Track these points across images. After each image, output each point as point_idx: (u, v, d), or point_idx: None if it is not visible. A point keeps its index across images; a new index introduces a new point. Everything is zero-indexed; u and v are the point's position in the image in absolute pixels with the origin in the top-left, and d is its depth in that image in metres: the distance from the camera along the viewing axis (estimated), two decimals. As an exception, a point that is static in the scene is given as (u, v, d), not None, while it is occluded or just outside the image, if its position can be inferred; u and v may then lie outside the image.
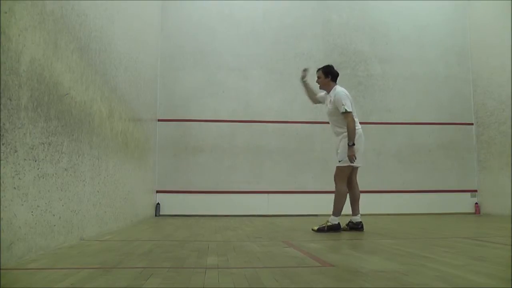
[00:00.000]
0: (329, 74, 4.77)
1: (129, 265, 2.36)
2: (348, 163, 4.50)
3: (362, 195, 8.11)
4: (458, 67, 8.80)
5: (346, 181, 4.61)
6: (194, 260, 2.56)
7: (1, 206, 2.17)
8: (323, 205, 7.92)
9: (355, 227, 4.65)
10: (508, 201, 7.35)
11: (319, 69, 4.85)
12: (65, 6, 3.14)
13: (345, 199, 4.59)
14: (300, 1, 8.66)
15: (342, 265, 2.34)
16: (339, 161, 4.57)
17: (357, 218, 4.67)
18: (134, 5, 5.71)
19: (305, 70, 4.94)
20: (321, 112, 8.36)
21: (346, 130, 4.53)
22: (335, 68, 4.89)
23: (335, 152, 4.73)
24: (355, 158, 4.47)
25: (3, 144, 2.20)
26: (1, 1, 2.18)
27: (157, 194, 7.76)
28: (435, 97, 8.65)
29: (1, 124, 2.18)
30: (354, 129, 4.50)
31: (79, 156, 3.43)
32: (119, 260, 2.51)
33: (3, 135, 2.20)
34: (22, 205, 2.44)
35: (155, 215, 7.53)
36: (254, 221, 6.03)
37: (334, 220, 4.51)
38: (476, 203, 8.31)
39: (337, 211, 4.54)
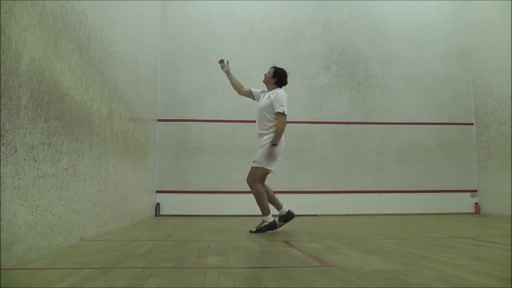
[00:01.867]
0: (276, 77, 4.72)
1: (129, 265, 2.36)
2: (263, 166, 4.44)
3: (362, 195, 8.16)
4: (458, 67, 8.80)
5: (260, 181, 4.52)
6: (194, 260, 2.56)
7: (1, 206, 2.17)
8: (323, 205, 7.97)
9: (287, 217, 4.60)
10: (508, 201, 7.35)
11: (274, 66, 4.82)
12: (65, 6, 3.14)
13: (266, 197, 4.51)
14: (300, 1, 8.66)
15: (342, 265, 2.34)
16: (254, 162, 4.50)
17: (284, 209, 4.62)
18: (134, 5, 5.71)
19: (221, 61, 5.00)
20: (321, 112, 8.40)
21: (270, 134, 4.46)
22: (287, 76, 4.80)
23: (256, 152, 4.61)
24: (274, 160, 4.41)
25: (3, 144, 2.20)
26: (1, 1, 2.18)
27: (157, 194, 7.76)
28: (435, 97, 8.65)
29: (1, 124, 2.18)
30: (283, 131, 4.46)
31: (79, 156, 3.43)
32: (119, 260, 2.51)
33: (3, 135, 2.20)
34: (22, 205, 2.44)
35: (155, 215, 7.53)
36: (254, 221, 6.03)
37: (268, 219, 4.47)
38: (476, 203, 8.31)
39: (265, 210, 4.48)
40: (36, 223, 2.62)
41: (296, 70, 8.49)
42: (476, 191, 8.39)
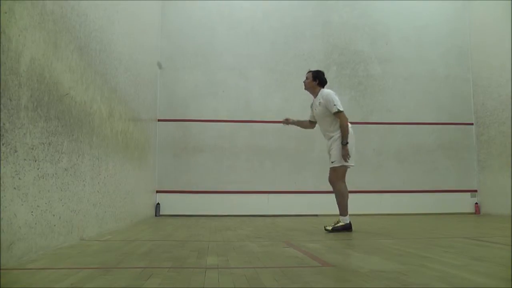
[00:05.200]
0: (317, 79, 4.81)
1: (129, 265, 2.36)
2: (342, 163, 4.48)
3: (362, 195, 8.15)
4: (458, 67, 8.80)
5: (343, 180, 4.60)
6: (194, 260, 2.56)
7: (1, 206, 2.17)
8: (323, 205, 7.95)
9: (344, 228, 4.60)
10: (508, 201, 7.35)
11: (310, 71, 4.90)
12: (65, 6, 3.14)
13: (347, 197, 4.58)
14: (300, 1, 8.66)
15: (342, 265, 2.34)
16: (332, 162, 4.54)
17: (345, 218, 4.65)
18: (134, 5, 5.71)
19: (285, 122, 5.15)
20: (321, 112, 8.39)
21: (337, 131, 4.53)
22: (324, 73, 4.92)
23: (327, 154, 4.68)
24: (349, 157, 4.46)
25: (3, 144, 2.20)
26: (1, 1, 2.18)
27: (157, 194, 7.76)
28: (435, 97, 8.65)
29: (1, 124, 2.18)
30: (348, 127, 4.52)
31: (79, 156, 3.43)
32: (119, 260, 2.51)
33: (3, 135, 2.20)
34: (22, 205, 2.43)
35: (155, 215, 7.53)
36: (254, 221, 6.03)
37: (345, 220, 4.51)
38: (476, 203, 8.31)
39: (343, 210, 4.54)
40: (36, 223, 2.62)
41: (296, 70, 8.51)
42: (476, 191, 8.39)
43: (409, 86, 8.64)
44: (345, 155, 4.46)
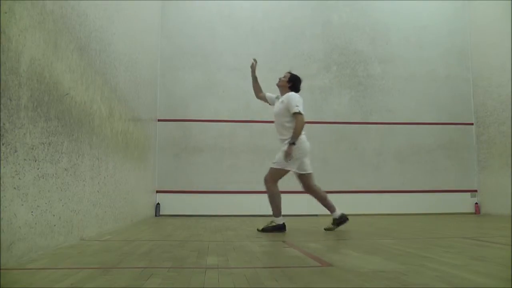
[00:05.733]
0: (291, 83, 4.79)
1: (129, 265, 2.36)
2: (282, 167, 4.44)
3: (362, 195, 8.16)
4: (458, 67, 8.80)
5: (277, 182, 4.54)
6: (194, 260, 2.56)
7: (1, 206, 2.17)
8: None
9: (340, 221, 4.60)
10: (508, 201, 7.35)
11: (290, 72, 4.89)
12: (65, 6, 3.14)
13: (279, 199, 4.51)
14: (300, 1, 8.66)
15: (342, 265, 2.34)
16: (274, 162, 4.49)
17: (337, 213, 4.61)
18: (134, 5, 5.71)
19: (255, 60, 4.98)
20: (321, 112, 8.39)
21: (286, 137, 4.47)
22: (301, 81, 4.94)
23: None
24: (291, 158, 4.39)
25: (3, 144, 2.20)
26: (1, 1, 2.18)
27: (157, 194, 7.76)
28: (435, 97, 8.65)
29: (1, 124, 2.18)
30: (301, 129, 4.47)
31: (79, 156, 3.43)
32: (119, 260, 2.51)
33: (3, 135, 2.20)
34: (22, 205, 2.43)
35: (155, 215, 7.53)
36: (254, 221, 6.03)
37: (278, 221, 4.45)
38: (476, 203, 8.31)
39: (276, 211, 4.48)
40: (36, 223, 2.62)
41: (296, 70, 8.48)
42: (476, 191, 8.39)
43: (409, 86, 8.64)
44: (288, 154, 4.38)
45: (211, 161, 8.00)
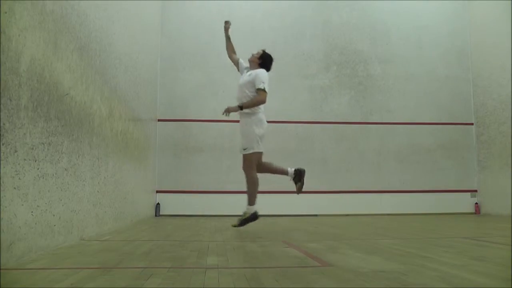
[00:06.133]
0: (262, 60, 4.79)
1: (129, 265, 2.36)
2: (254, 150, 4.42)
3: (362, 195, 8.15)
4: (458, 67, 8.80)
5: (256, 168, 4.51)
6: (194, 260, 2.56)
7: (1, 206, 2.17)
8: (323, 205, 7.97)
9: (299, 173, 4.70)
10: (508, 201, 7.35)
11: (263, 50, 4.87)
12: (65, 6, 3.14)
13: (258, 187, 4.51)
14: (300, 1, 8.66)
15: (342, 265, 2.34)
16: (244, 149, 4.47)
17: (291, 171, 4.69)
18: (134, 5, 5.71)
19: (227, 22, 5.06)
20: (321, 112, 8.40)
21: (254, 114, 4.45)
22: (273, 61, 4.89)
23: (240, 138, 4.60)
24: (227, 113, 4.41)
25: (3, 144, 2.20)
26: (1, 1, 2.18)
27: (157, 194, 7.76)
28: (435, 97, 8.65)
29: (1, 124, 2.18)
30: (258, 104, 4.46)
31: (79, 156, 3.43)
32: (119, 260, 2.51)
33: (3, 135, 2.20)
34: (22, 205, 2.43)
35: (155, 215, 7.53)
36: (255, 221, 6.03)
37: (251, 210, 4.46)
38: (476, 203, 8.31)
39: (253, 199, 4.48)
40: (36, 223, 2.62)
41: (296, 70, 8.52)
42: (476, 191, 8.39)
43: (409, 86, 8.64)
44: (229, 109, 4.41)
45: (211, 161, 7.99)
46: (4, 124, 2.21)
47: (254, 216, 4.46)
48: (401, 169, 8.34)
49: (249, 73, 4.69)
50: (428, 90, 8.66)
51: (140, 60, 6.11)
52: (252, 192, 4.51)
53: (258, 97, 4.45)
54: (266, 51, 4.88)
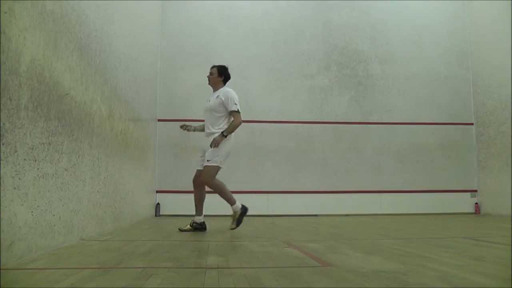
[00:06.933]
0: (222, 75, 4.77)
1: (129, 265, 2.36)
2: (218, 164, 4.45)
3: (362, 195, 8.15)
4: (458, 67, 8.80)
5: (215, 178, 4.52)
6: (194, 260, 2.56)
7: (1, 206, 2.17)
8: (323, 205, 7.97)
9: (199, 227, 4.64)
10: (508, 201, 7.35)
11: (214, 66, 4.83)
12: (65, 6, 3.14)
13: (226, 188, 4.54)
14: (300, 1, 8.66)
15: (342, 265, 2.34)
16: (208, 161, 4.46)
17: (200, 219, 4.68)
18: (134, 5, 5.71)
19: (183, 127, 4.99)
20: (321, 112, 8.40)
21: (218, 131, 4.44)
22: (228, 68, 4.85)
23: (201, 155, 4.61)
24: (215, 146, 4.39)
25: (3, 144, 2.20)
26: (1, 1, 2.18)
27: (157, 194, 7.76)
28: (435, 97, 8.65)
29: (1, 124, 2.18)
30: (237, 127, 4.49)
31: (79, 156, 3.43)
32: (119, 260, 2.51)
33: (3, 135, 2.20)
34: (22, 205, 2.43)
35: (155, 215, 7.53)
36: (254, 221, 6.03)
37: (237, 208, 4.49)
38: (476, 203, 8.31)
39: (230, 200, 4.52)
40: (36, 223, 2.62)
41: (296, 70, 8.52)
42: (476, 191, 8.39)
43: (409, 86, 8.65)
44: (216, 143, 4.39)
45: (211, 161, 7.98)
46: (4, 124, 2.21)
47: (243, 210, 4.50)
48: (401, 169, 8.34)
49: (216, 95, 4.66)
50: (428, 90, 8.66)
51: (140, 60, 6.11)
52: (225, 195, 4.56)
53: (236, 121, 4.48)
54: (216, 64, 4.84)
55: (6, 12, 2.24)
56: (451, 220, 6.59)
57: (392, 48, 8.71)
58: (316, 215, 7.76)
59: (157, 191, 7.76)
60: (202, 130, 4.86)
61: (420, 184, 8.27)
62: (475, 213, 8.24)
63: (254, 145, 8.09)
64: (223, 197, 4.56)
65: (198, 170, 4.70)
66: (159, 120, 7.99)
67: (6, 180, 2.23)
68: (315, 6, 8.68)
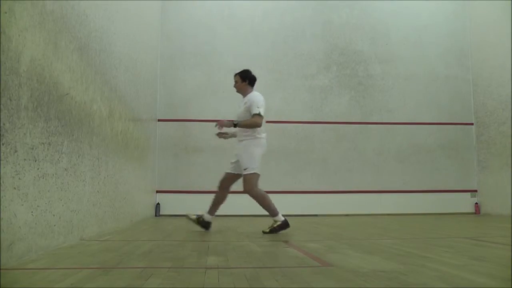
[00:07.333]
0: (246, 79, 4.71)
1: (129, 265, 2.36)
2: (254, 170, 4.40)
3: (362, 195, 8.16)
4: (458, 67, 8.80)
5: (257, 185, 4.47)
6: (194, 260, 2.56)
7: (1, 206, 2.17)
8: (323, 205, 7.97)
9: (204, 225, 4.64)
10: (508, 201, 7.35)
11: (236, 74, 4.79)
12: (65, 6, 3.14)
13: (269, 198, 4.48)
14: (300, 1, 8.66)
15: (342, 265, 2.34)
16: (245, 169, 4.44)
17: (210, 218, 4.68)
18: (134, 5, 5.71)
19: (219, 135, 4.87)
20: (321, 112, 8.40)
21: (253, 136, 4.43)
22: (250, 70, 4.80)
23: (234, 160, 4.59)
24: (223, 137, 4.48)
25: (3, 144, 2.20)
26: (1, 1, 2.18)
27: (157, 194, 7.76)
28: (435, 97, 8.65)
29: (1, 124, 2.18)
30: (253, 126, 4.39)
31: (79, 156, 3.43)
32: (119, 260, 2.51)
33: (3, 135, 2.20)
34: (22, 205, 2.43)
35: (155, 215, 7.53)
36: (254, 221, 6.03)
37: (279, 218, 4.43)
38: (476, 203, 8.31)
39: (273, 211, 4.46)
40: (36, 223, 2.62)
41: (296, 70, 8.52)
42: (476, 191, 8.39)
43: (409, 86, 8.64)
44: (220, 124, 4.43)
45: (211, 161, 7.99)
46: (4, 124, 2.21)
47: (283, 224, 4.41)
48: (401, 169, 8.34)
49: (244, 101, 4.64)
50: (428, 90, 8.66)
51: (140, 60, 6.11)
52: (266, 206, 4.48)
53: (253, 120, 4.41)
54: (237, 71, 4.80)
55: (6, 12, 2.24)
56: (451, 220, 6.60)
57: (392, 48, 8.70)
58: (316, 215, 7.76)
59: (157, 191, 7.76)
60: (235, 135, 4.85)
61: (420, 184, 8.27)
62: (475, 213, 8.24)
63: (254, 145, 8.07)
64: (264, 208, 4.49)
65: (227, 173, 4.69)
66: (159, 120, 7.99)
67: (6, 180, 2.23)
68: (315, 6, 8.68)
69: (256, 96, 4.57)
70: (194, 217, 4.63)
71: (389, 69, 8.63)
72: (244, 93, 4.73)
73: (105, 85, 4.25)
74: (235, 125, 4.41)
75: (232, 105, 8.20)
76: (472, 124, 8.64)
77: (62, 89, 3.06)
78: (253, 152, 4.44)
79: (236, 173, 4.62)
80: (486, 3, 8.43)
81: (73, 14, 3.32)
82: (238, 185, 8.16)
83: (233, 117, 4.62)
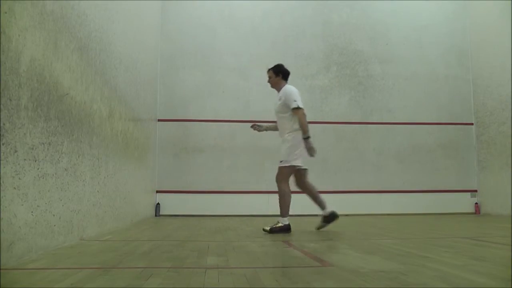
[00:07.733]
0: (279, 73, 4.73)
1: (129, 265, 2.36)
2: (290, 163, 4.41)
3: (362, 195, 8.15)
4: (458, 67, 8.80)
5: (288, 181, 4.49)
6: (194, 260, 2.56)
7: (1, 206, 2.17)
8: (323, 205, 7.96)
9: (330, 218, 4.64)
10: (508, 201, 7.35)
11: (269, 69, 4.80)
12: (65, 6, 3.14)
13: (290, 199, 4.48)
14: (300, 1, 8.66)
15: (342, 265, 2.34)
16: (281, 162, 4.45)
17: (327, 210, 4.65)
18: (134, 5, 5.71)
19: (254, 127, 4.94)
20: (321, 112, 8.40)
21: (292, 132, 4.43)
22: (283, 64, 4.82)
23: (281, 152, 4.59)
24: (315, 151, 4.40)
25: (3, 144, 2.20)
26: (1, 1, 2.18)
27: (157, 194, 7.76)
28: (435, 97, 8.65)
29: (1, 124, 2.18)
30: (306, 123, 4.43)
31: (79, 156, 3.43)
32: (119, 260, 2.51)
33: (3, 135, 2.20)
34: (22, 205, 2.43)
35: (155, 215, 7.53)
36: (254, 221, 6.03)
37: (284, 221, 4.41)
38: (476, 203, 8.31)
39: (284, 212, 4.44)
40: (36, 223, 2.62)
41: (296, 70, 8.47)
42: (476, 191, 8.39)
43: (409, 86, 8.64)
44: (310, 149, 4.39)
45: (211, 161, 7.99)
46: (4, 124, 2.21)
47: (286, 227, 4.40)
48: (401, 169, 8.34)
49: (278, 97, 4.66)
50: (428, 90, 8.66)
51: (140, 60, 6.11)
52: (282, 204, 4.47)
53: (301, 118, 4.43)
54: (269, 66, 4.80)
55: (6, 12, 2.24)
56: (451, 220, 6.59)
57: (392, 48, 8.70)
58: (316, 215, 7.75)
59: (157, 191, 7.76)
60: (274, 129, 4.87)
61: (420, 184, 8.27)
62: (475, 213, 8.24)
63: (254, 145, 8.08)
64: (279, 204, 4.48)
65: (299, 171, 4.63)
66: (159, 120, 7.99)
67: (6, 180, 2.23)
68: (315, 6, 8.68)
69: (288, 88, 4.58)
70: (321, 223, 4.61)
71: (389, 69, 8.63)
72: (278, 87, 4.74)
73: (105, 85, 4.25)
74: (308, 137, 4.41)
75: (232, 105, 8.25)
76: (472, 124, 8.64)
77: (62, 89, 3.06)
78: (295, 146, 4.43)
79: (304, 167, 4.61)
80: (486, 3, 8.43)
81: (73, 14, 3.32)
82: (238, 185, 8.17)
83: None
